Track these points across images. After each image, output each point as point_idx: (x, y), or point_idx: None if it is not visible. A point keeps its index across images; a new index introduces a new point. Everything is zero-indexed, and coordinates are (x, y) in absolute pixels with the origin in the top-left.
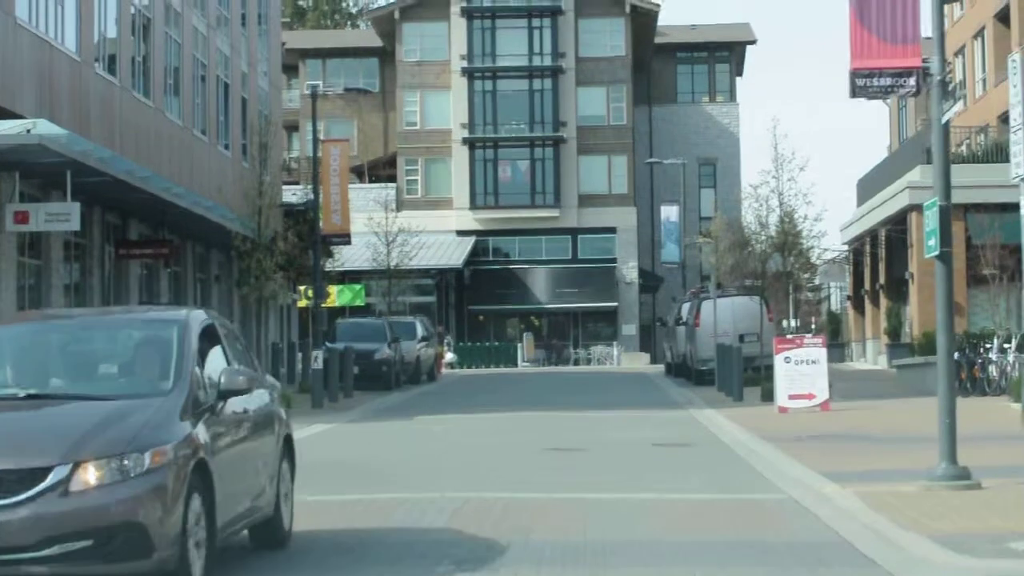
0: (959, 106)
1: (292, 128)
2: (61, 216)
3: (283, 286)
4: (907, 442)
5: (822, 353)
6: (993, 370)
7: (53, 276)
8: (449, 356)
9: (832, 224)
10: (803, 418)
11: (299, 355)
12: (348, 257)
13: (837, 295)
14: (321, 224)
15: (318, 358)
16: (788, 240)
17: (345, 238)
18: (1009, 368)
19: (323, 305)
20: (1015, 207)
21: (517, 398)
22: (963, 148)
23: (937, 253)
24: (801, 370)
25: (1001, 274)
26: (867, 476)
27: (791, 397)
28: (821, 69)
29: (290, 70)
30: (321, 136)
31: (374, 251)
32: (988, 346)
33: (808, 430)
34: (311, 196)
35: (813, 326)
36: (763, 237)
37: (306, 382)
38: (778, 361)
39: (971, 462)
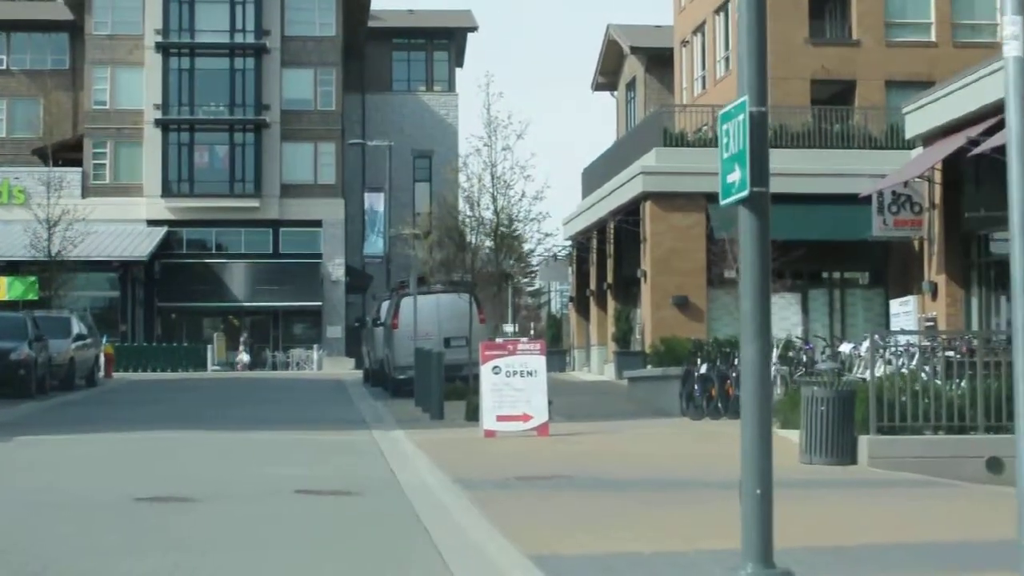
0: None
1: None
2: None
3: None
4: (656, 488)
5: (540, 363)
6: None
7: None
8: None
9: (556, 209)
10: (515, 447)
11: None
12: (8, 244)
13: (558, 299)
14: None
15: None
16: (501, 221)
17: None
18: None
19: None
20: (775, 197)
21: (171, 411)
22: (706, 130)
23: (746, 194)
24: (514, 384)
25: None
26: (607, 565)
27: (500, 418)
28: (548, 59)
29: None
30: None
31: (33, 236)
32: None
33: (520, 467)
34: None
35: (532, 332)
36: (474, 222)
37: None
38: (485, 372)
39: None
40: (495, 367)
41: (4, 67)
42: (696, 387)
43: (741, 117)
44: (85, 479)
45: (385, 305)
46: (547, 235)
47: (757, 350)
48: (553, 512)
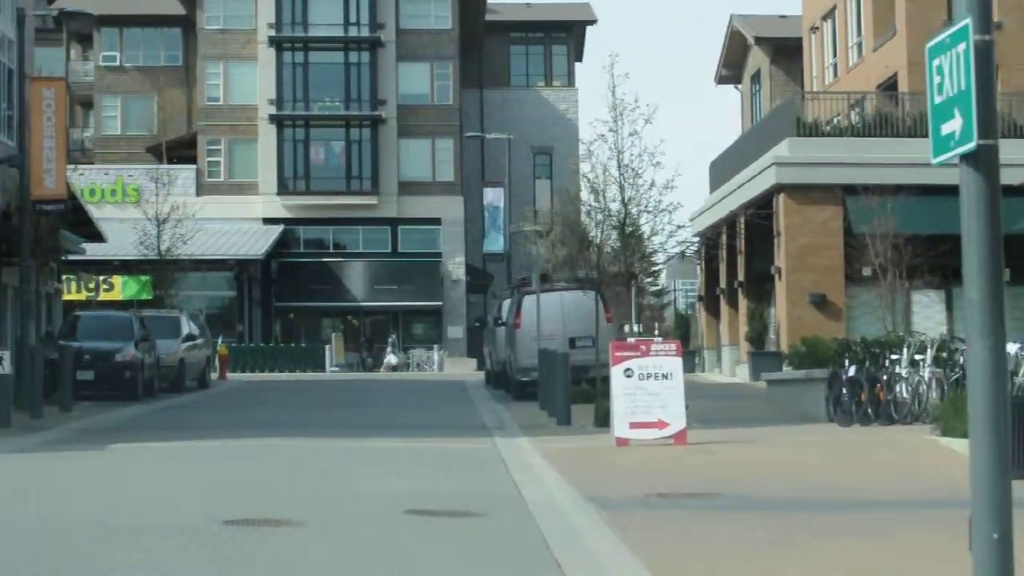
0: None
1: (86, 104)
2: None
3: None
4: (822, 510)
5: (677, 364)
6: (902, 390)
7: None
8: (391, 359)
9: (686, 202)
10: (651, 457)
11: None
12: (121, 243)
13: (683, 298)
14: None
15: (1, 360)
16: (629, 213)
17: (59, 204)
18: (924, 388)
19: (99, 298)
20: (917, 188)
21: (278, 415)
22: (840, 119)
23: (971, 147)
24: (648, 387)
25: (896, 268)
26: None
27: (634, 425)
28: (668, 54)
29: (84, 39)
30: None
31: (143, 234)
32: (894, 358)
33: (659, 481)
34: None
35: (656, 332)
36: (599, 216)
37: (19, 394)
38: (616, 375)
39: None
40: (627, 369)
41: (117, 64)
42: (844, 391)
43: (961, 48)
44: (172, 494)
45: (506, 304)
46: (679, 227)
47: (989, 348)
48: (704, 540)
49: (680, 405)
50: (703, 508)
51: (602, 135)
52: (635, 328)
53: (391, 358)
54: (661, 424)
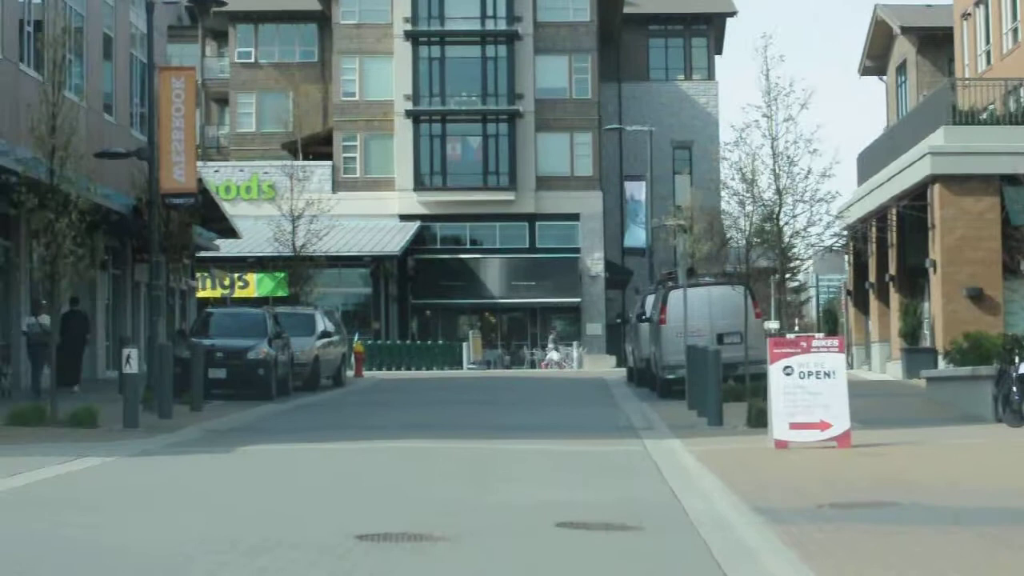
0: None
1: (222, 101)
2: None
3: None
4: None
5: (839, 362)
6: None
7: None
8: (553, 355)
9: (844, 188)
10: (815, 461)
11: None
12: (256, 240)
13: (825, 293)
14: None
15: (130, 358)
16: (783, 207)
17: (188, 197)
18: None
19: (233, 295)
20: None
21: (415, 415)
22: (995, 106)
23: None
24: (809, 386)
25: None
26: None
27: (794, 426)
28: (809, 46)
29: (220, 36)
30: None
31: (278, 230)
32: None
33: (829, 489)
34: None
35: (796, 329)
36: (748, 207)
37: (149, 391)
38: (775, 373)
39: None
40: (786, 367)
41: (252, 60)
42: (1014, 389)
43: None
44: (301, 504)
45: (650, 299)
46: (838, 216)
47: None
48: (897, 559)
49: (843, 405)
50: (884, 520)
51: (755, 120)
52: (775, 324)
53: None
54: (823, 425)
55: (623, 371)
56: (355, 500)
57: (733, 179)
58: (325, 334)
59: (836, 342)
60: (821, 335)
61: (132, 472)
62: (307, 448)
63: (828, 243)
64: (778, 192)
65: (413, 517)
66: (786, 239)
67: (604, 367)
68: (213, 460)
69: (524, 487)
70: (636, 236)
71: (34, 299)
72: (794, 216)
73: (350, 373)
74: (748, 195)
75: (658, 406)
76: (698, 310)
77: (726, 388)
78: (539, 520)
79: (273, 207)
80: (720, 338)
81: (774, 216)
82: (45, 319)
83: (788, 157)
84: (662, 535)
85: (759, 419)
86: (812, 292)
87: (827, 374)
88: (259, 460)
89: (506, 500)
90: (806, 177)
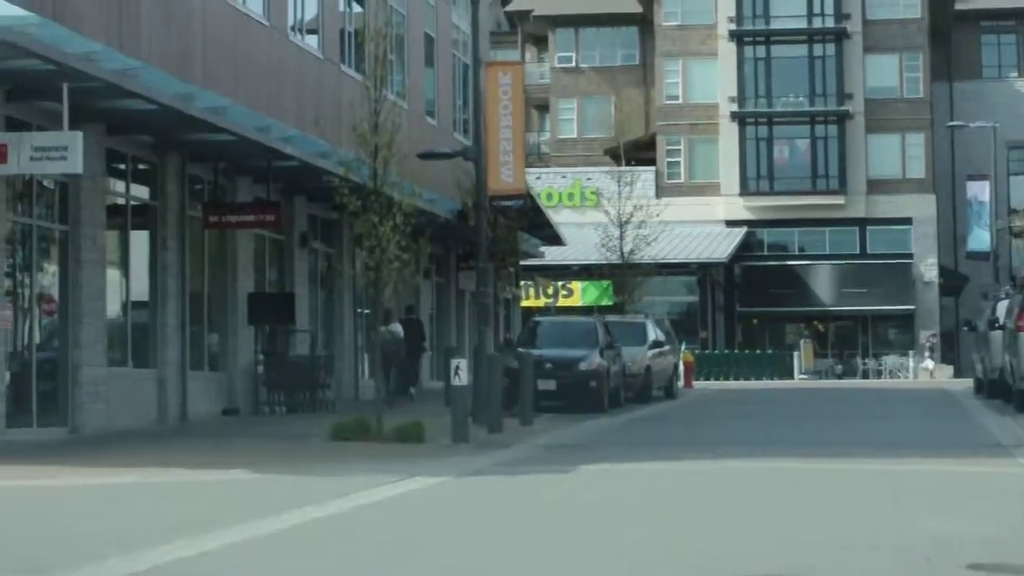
0: None
1: (542, 107)
2: (53, 152)
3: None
4: None
5: None
6: None
7: (84, 249)
8: (928, 364)
9: None
10: None
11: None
12: (581, 247)
13: None
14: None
15: (459, 370)
16: None
17: (517, 200)
18: None
19: (557, 304)
20: None
21: (765, 430)
22: None
23: None
24: None
25: None
26: None
27: None
28: None
29: (539, 41)
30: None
31: (605, 236)
32: None
33: None
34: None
35: None
36: None
37: (477, 403)
38: None
39: None
40: None
41: (573, 65)
42: None
43: None
44: (651, 538)
45: (1003, 305)
46: None
47: None
48: None
49: None
50: None
51: None
52: None
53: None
54: None
55: (963, 382)
56: (713, 532)
57: None
58: (656, 344)
59: None
60: None
61: (461, 494)
62: (653, 468)
63: None
64: None
65: (780, 557)
66: None
67: (941, 377)
68: (554, 482)
69: (900, 517)
70: (980, 239)
71: (386, 308)
72: None
73: (679, 384)
74: None
75: (1019, 419)
76: None
77: None
78: (942, 560)
79: (598, 213)
80: None
81: None
82: (396, 327)
83: None
84: None
85: None
86: None
87: None
88: (603, 482)
89: (886, 533)
90: None
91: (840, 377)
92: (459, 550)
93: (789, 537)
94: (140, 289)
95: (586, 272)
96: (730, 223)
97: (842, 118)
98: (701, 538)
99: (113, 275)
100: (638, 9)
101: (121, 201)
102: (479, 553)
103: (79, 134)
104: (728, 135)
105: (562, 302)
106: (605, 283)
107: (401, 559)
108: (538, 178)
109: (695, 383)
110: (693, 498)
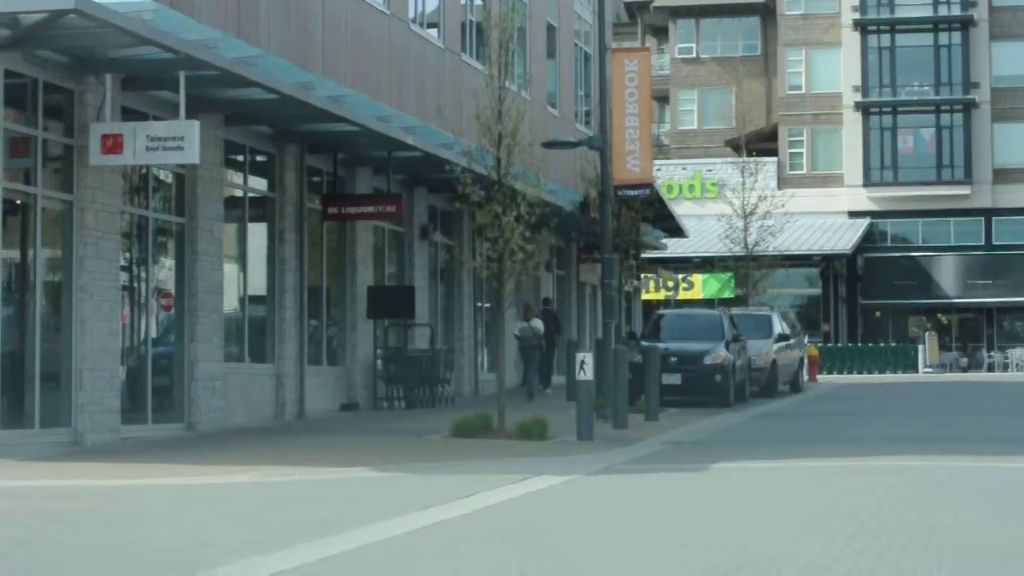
0: None
1: (662, 98)
2: (170, 141)
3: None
4: None
5: None
6: None
7: (201, 242)
8: None
9: None
10: None
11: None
12: (702, 239)
13: None
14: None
15: (584, 364)
16: None
17: (643, 189)
18: None
19: (678, 297)
20: None
21: (901, 426)
22: None
23: None
24: None
25: None
26: None
27: None
28: None
29: (659, 32)
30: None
31: (729, 228)
32: None
33: None
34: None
35: None
36: None
37: (600, 398)
38: None
39: None
40: None
41: (694, 56)
42: None
43: None
44: (803, 546)
45: None
46: None
47: None
48: None
49: None
50: None
51: None
52: None
53: None
54: None
55: None
56: (873, 542)
57: None
58: (782, 337)
59: None
60: None
61: (590, 493)
62: (790, 466)
63: None
64: None
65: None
66: None
67: None
68: (687, 481)
69: None
70: None
71: (525, 304)
72: None
73: (804, 378)
74: None
75: None
76: None
77: None
78: None
79: (719, 205)
80: None
81: None
82: (537, 323)
83: None
84: None
85: None
86: None
87: None
88: (739, 482)
89: None
90: None
91: (965, 371)
92: (607, 554)
93: (968, 546)
94: (257, 283)
95: (707, 264)
96: (853, 214)
97: (968, 107)
98: (864, 548)
99: (230, 269)
100: None
101: (239, 193)
102: (629, 557)
103: (196, 123)
104: (852, 125)
105: (682, 295)
106: (726, 275)
107: (545, 567)
108: (659, 170)
109: (819, 377)
110: (842, 500)
